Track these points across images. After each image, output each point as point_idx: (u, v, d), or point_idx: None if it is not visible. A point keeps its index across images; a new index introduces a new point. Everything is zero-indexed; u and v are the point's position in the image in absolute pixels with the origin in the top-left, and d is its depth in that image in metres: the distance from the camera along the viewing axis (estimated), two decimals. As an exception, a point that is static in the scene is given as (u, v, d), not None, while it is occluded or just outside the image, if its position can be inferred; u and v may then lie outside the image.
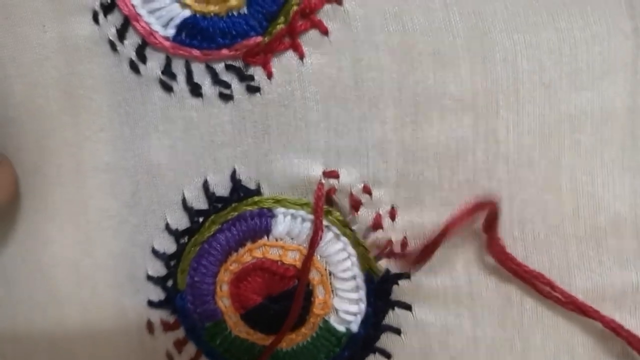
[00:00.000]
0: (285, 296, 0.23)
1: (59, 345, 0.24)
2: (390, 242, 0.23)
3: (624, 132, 0.22)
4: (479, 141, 0.22)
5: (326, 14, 0.22)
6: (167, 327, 0.24)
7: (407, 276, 0.23)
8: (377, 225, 0.22)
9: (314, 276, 0.23)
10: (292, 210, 0.22)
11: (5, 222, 0.24)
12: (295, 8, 0.22)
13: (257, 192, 0.23)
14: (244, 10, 0.22)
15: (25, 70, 0.23)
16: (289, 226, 0.23)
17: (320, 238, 0.22)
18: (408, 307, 0.23)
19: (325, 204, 0.22)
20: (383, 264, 0.23)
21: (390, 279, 0.23)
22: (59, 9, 0.23)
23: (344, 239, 0.23)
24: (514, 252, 0.22)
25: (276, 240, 0.23)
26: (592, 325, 0.22)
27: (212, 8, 0.22)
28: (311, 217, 0.22)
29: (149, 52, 0.23)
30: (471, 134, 0.22)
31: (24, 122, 0.24)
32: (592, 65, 0.21)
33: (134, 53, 0.23)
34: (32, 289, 0.24)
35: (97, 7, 0.23)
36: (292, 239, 0.23)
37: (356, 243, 0.23)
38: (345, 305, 0.23)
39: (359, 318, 0.23)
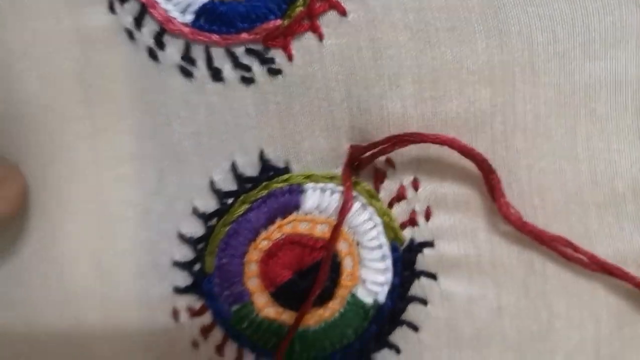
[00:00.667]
0: (315, 269, 0.23)
1: (76, 343, 0.24)
2: (414, 212, 0.23)
3: (637, 99, 0.22)
4: (496, 113, 0.22)
5: None
6: (193, 313, 0.24)
7: (431, 244, 0.23)
8: (401, 196, 0.23)
9: (341, 248, 0.23)
10: (321, 184, 0.23)
11: (19, 224, 0.24)
12: None
13: (287, 170, 0.23)
14: None
15: (38, 64, 0.23)
16: (319, 199, 0.23)
17: (350, 207, 0.22)
18: (433, 277, 0.23)
19: (353, 175, 0.23)
20: (408, 233, 0.23)
21: (415, 247, 0.23)
22: (73, 0, 0.23)
23: (370, 208, 0.23)
24: (535, 220, 0.23)
25: (305, 214, 0.23)
26: (616, 289, 0.23)
27: None
28: (340, 188, 0.23)
29: (167, 38, 0.23)
30: (489, 106, 0.22)
31: (36, 118, 0.23)
32: (605, 34, 0.22)
33: (152, 40, 0.23)
34: (48, 289, 0.24)
35: None
36: (320, 212, 0.23)
37: (382, 212, 0.23)
38: (372, 275, 0.23)
39: (386, 288, 0.23)
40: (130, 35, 0.23)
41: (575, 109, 0.22)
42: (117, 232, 0.24)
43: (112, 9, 0.23)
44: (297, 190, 0.23)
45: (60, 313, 0.24)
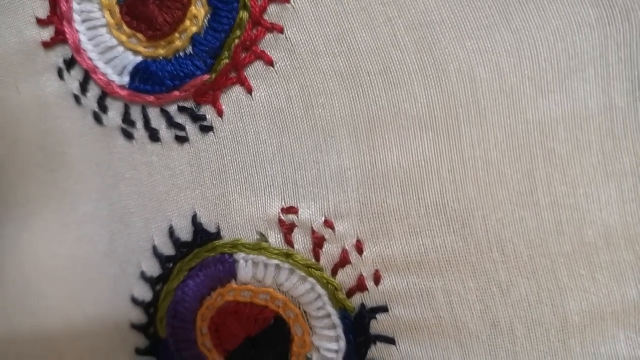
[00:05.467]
0: (264, 335, 0.22)
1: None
2: (362, 276, 0.21)
3: (602, 135, 0.19)
4: (443, 161, 0.20)
5: (269, 44, 0.21)
6: None
7: (384, 309, 0.21)
8: (345, 261, 0.21)
9: (289, 315, 0.22)
10: (252, 256, 0.22)
11: None
12: (237, 41, 0.21)
13: (217, 235, 0.22)
14: (190, 50, 0.22)
15: (4, 132, 0.24)
16: (252, 272, 0.22)
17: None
18: (391, 341, 0.21)
19: (286, 245, 0.21)
20: (357, 299, 0.21)
21: (367, 313, 0.21)
22: (30, 69, 0.24)
23: (310, 279, 0.21)
24: (496, 277, 0.20)
25: (244, 284, 0.22)
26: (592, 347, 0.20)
27: (161, 52, 0.22)
28: (274, 262, 0.21)
29: (109, 102, 0.23)
30: (433, 154, 0.20)
31: (10, 180, 0.25)
32: (557, 64, 0.19)
33: (96, 104, 0.23)
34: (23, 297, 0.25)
35: (62, 64, 0.23)
36: (259, 282, 0.22)
37: (325, 282, 0.21)
38: (325, 343, 0.22)
39: (341, 355, 0.22)
40: (77, 100, 0.23)
41: (531, 151, 0.19)
42: (84, 295, 0.24)
43: (60, 75, 0.23)
44: (228, 261, 0.22)
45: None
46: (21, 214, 0.25)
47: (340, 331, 0.22)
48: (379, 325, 0.21)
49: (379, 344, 0.22)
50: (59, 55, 0.23)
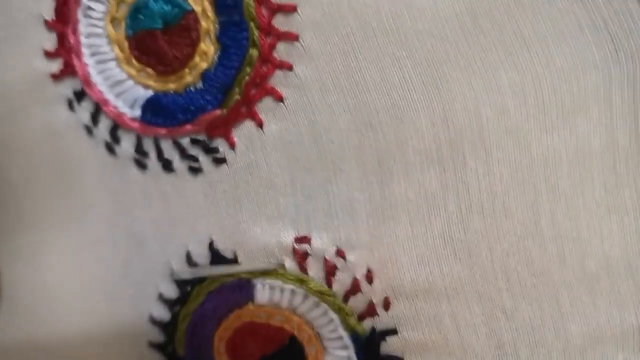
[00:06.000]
0: (279, 354, 0.23)
1: None
2: (372, 303, 0.22)
3: (604, 171, 0.20)
4: (449, 194, 0.21)
5: (278, 80, 0.22)
6: None
7: (394, 332, 0.22)
8: (355, 289, 0.22)
9: (303, 336, 0.23)
10: (269, 281, 0.23)
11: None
12: (247, 78, 0.22)
13: (235, 260, 0.23)
14: (200, 85, 0.22)
15: (17, 158, 0.25)
16: (269, 295, 0.23)
17: None
18: (398, 359, 0.23)
19: (300, 272, 0.22)
20: (368, 323, 0.23)
21: (377, 336, 0.22)
22: (39, 99, 0.24)
23: (323, 304, 0.22)
24: (501, 303, 0.21)
25: (261, 306, 0.23)
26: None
27: (171, 85, 0.23)
28: (289, 286, 0.22)
29: (121, 133, 0.24)
30: (440, 187, 0.21)
31: (24, 203, 0.25)
32: (561, 103, 0.20)
33: (108, 135, 0.24)
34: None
35: (71, 95, 0.24)
36: (274, 305, 0.23)
37: (337, 308, 0.22)
38: None
39: None
40: (89, 130, 0.24)
41: (535, 186, 0.20)
42: (101, 314, 0.25)
43: (70, 106, 0.24)
44: (246, 285, 0.23)
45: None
46: (36, 235, 0.26)
47: (351, 352, 0.23)
48: (389, 346, 0.23)
49: (389, 363, 0.23)
50: (68, 87, 0.24)
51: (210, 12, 0.22)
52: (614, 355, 0.21)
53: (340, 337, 0.23)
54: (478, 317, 0.22)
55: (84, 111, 0.24)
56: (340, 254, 0.22)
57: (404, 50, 0.20)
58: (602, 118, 0.19)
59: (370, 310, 0.22)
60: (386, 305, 0.22)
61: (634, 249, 0.20)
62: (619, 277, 0.20)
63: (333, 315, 0.22)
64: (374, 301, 0.22)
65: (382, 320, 0.22)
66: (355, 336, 0.23)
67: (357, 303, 0.22)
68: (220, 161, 0.23)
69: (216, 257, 0.23)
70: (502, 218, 0.21)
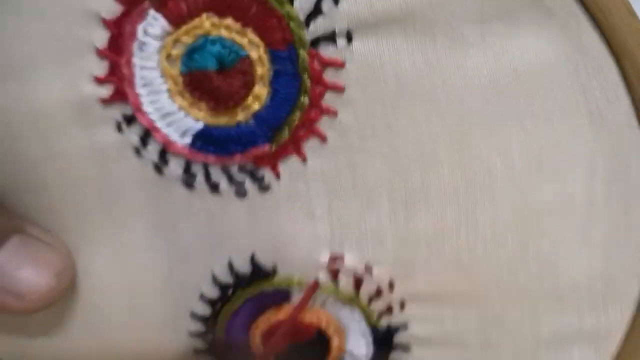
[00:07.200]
0: (307, 346, 0.28)
1: None
2: (390, 305, 0.27)
3: (583, 220, 0.26)
4: (461, 227, 0.26)
5: (324, 124, 0.25)
6: None
7: (405, 327, 0.28)
8: (378, 294, 0.27)
9: (330, 329, 0.28)
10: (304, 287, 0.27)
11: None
12: (297, 121, 0.25)
13: (274, 271, 0.27)
14: (251, 122, 0.25)
15: (60, 174, 0.26)
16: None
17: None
18: (407, 348, 0.28)
19: (333, 284, 0.27)
20: (385, 320, 0.28)
21: (392, 330, 0.28)
22: (84, 120, 0.25)
23: (350, 305, 0.27)
24: (492, 308, 0.27)
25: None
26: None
27: (222, 120, 0.25)
28: (323, 295, 0.27)
29: (169, 156, 0.26)
30: (454, 223, 0.26)
31: (61, 211, 0.27)
32: (557, 165, 0.25)
33: (157, 157, 0.26)
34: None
35: (120, 119, 0.25)
36: (308, 307, 0.27)
37: (363, 311, 0.27)
38: (357, 349, 0.28)
39: (368, 358, 0.28)
40: (137, 152, 0.26)
41: (528, 225, 0.26)
42: (145, 314, 0.28)
43: (119, 128, 0.25)
44: (285, 291, 0.27)
45: None
46: (77, 243, 0.27)
47: (370, 340, 0.28)
48: (400, 338, 0.28)
49: (398, 351, 0.28)
50: (116, 111, 0.25)
51: (265, 61, 0.24)
52: (571, 351, 0.27)
53: (363, 332, 0.28)
54: (473, 318, 0.27)
55: (133, 134, 0.25)
56: (368, 269, 0.27)
57: (435, 112, 0.24)
58: (584, 182, 0.25)
59: (388, 310, 0.27)
60: (402, 306, 0.27)
61: (595, 274, 0.26)
62: (582, 293, 0.27)
63: (358, 314, 0.27)
64: (392, 304, 0.27)
65: (396, 318, 0.27)
66: (374, 330, 0.28)
67: (378, 305, 0.27)
68: (265, 188, 0.26)
69: (257, 268, 0.27)
70: (500, 247, 0.26)
